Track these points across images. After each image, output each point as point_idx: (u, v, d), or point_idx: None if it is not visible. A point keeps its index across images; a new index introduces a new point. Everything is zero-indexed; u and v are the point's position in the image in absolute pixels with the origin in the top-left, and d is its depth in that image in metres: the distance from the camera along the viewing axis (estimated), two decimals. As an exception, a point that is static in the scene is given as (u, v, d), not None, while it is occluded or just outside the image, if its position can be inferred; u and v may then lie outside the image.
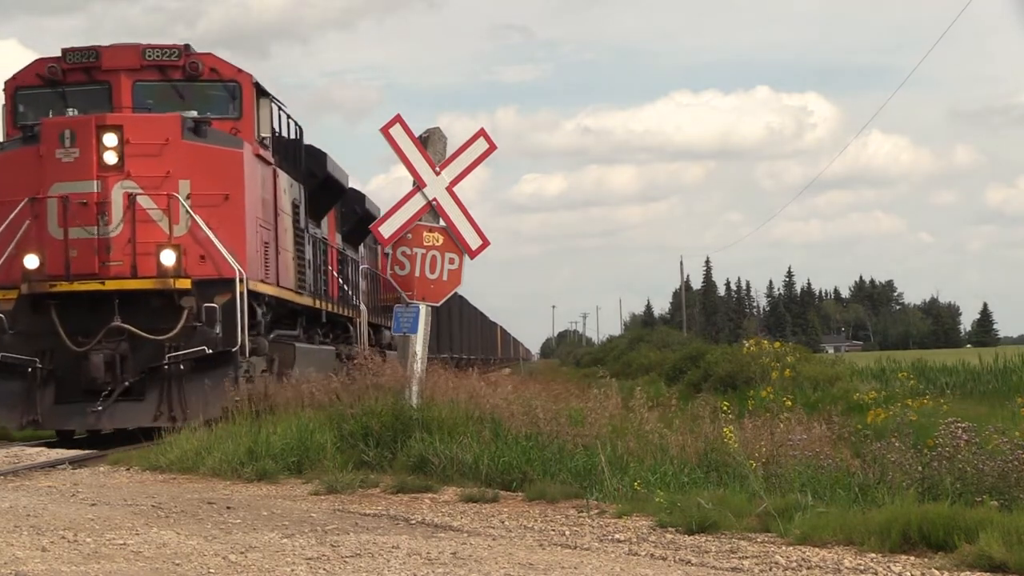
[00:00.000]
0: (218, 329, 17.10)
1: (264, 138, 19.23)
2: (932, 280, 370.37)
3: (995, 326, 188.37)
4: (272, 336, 19.86)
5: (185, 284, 17.25)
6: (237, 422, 13.90)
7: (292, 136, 22.22)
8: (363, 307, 28.73)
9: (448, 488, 10.98)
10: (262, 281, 18.76)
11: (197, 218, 17.33)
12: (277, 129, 20.69)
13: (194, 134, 17.72)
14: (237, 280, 17.18)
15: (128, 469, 13.10)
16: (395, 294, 35.00)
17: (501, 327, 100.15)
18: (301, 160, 22.67)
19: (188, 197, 17.41)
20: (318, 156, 23.76)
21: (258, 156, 18.91)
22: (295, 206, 21.66)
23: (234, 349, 17.03)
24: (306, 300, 22.20)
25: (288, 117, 21.75)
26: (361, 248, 32.19)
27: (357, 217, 29.63)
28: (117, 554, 7.50)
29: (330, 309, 24.67)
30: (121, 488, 11.50)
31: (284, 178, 20.82)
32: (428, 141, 13.92)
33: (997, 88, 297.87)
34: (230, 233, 17.51)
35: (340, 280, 26.75)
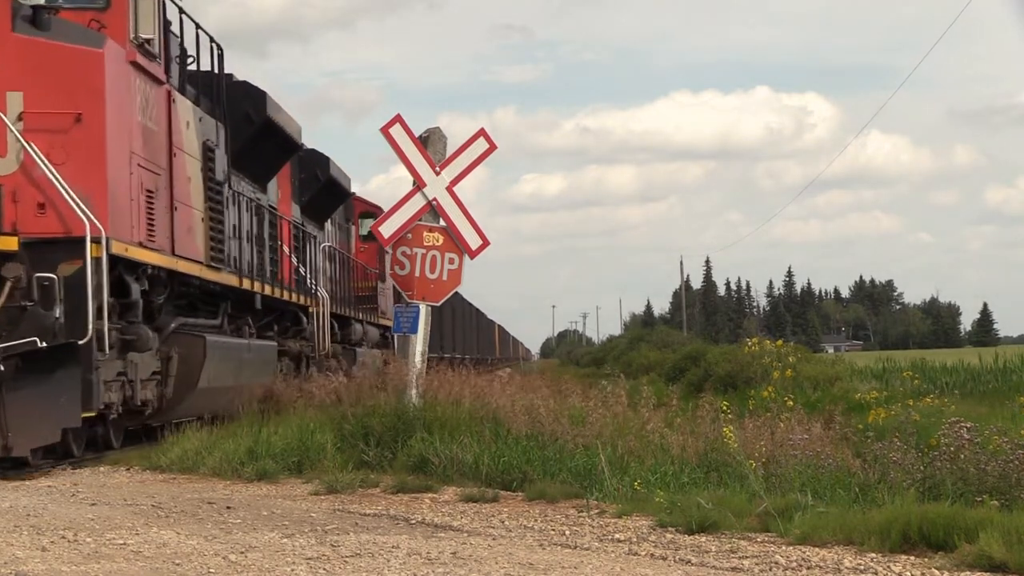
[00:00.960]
0: (58, 312, 12.16)
1: (146, 40, 13.70)
2: (932, 280, 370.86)
3: (995, 326, 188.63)
4: (174, 326, 15.04)
5: (8, 245, 12.28)
6: (237, 422, 13.90)
7: (212, 63, 17.42)
8: (323, 294, 23.80)
9: (448, 488, 10.98)
10: (141, 244, 13.65)
11: (32, 148, 12.34)
12: (180, 37, 15.68)
13: (31, 25, 12.62)
14: (89, 240, 12.13)
15: (128, 469, 13.09)
16: (371, 283, 32.63)
17: (499, 325, 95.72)
18: (222, 93, 17.54)
19: (20, 117, 12.47)
20: (255, 95, 19.08)
21: (135, 64, 13.59)
22: (207, 149, 16.37)
23: (82, 342, 12.00)
24: (226, 278, 16.94)
25: (201, 32, 16.84)
26: (328, 225, 27.73)
27: (319, 185, 25.02)
28: (117, 554, 7.49)
29: (269, 293, 19.20)
30: (121, 488, 11.49)
31: (186, 107, 15.57)
32: (428, 141, 13.92)
33: (997, 88, 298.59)
34: (83, 171, 12.44)
35: (295, 260, 22.14)
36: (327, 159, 25.55)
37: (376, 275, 32.37)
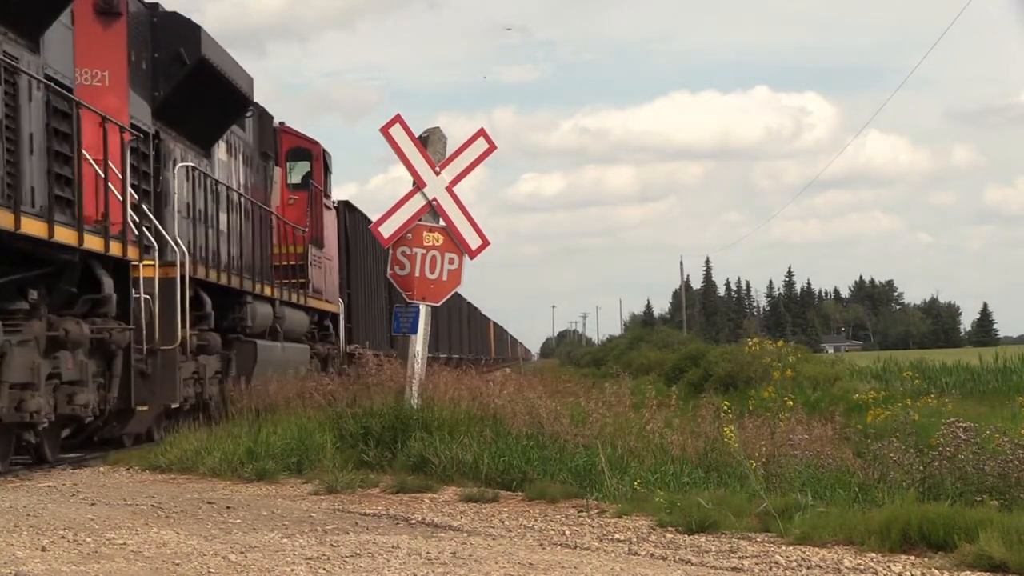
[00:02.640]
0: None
1: None
2: (932, 280, 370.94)
3: (995, 326, 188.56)
4: None
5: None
6: (237, 422, 13.90)
7: None
8: (182, 250, 15.62)
9: (448, 488, 10.98)
10: None
11: None
12: None
13: None
14: None
15: (128, 469, 13.09)
16: (300, 248, 23.00)
17: (494, 322, 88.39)
18: None
19: None
20: (187, 31, 15.78)
21: None
22: None
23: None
24: None
25: None
26: (220, 150, 18.74)
27: (187, 71, 16.20)
28: (117, 554, 7.49)
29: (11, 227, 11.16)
30: (121, 488, 11.49)
31: None
32: (428, 141, 13.92)
33: (996, 88, 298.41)
34: None
35: (133, 195, 14.37)
36: (197, 30, 16.40)
37: (307, 237, 23.61)
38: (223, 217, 18.62)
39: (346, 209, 29.70)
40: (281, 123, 24.04)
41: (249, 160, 21.10)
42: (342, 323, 27.35)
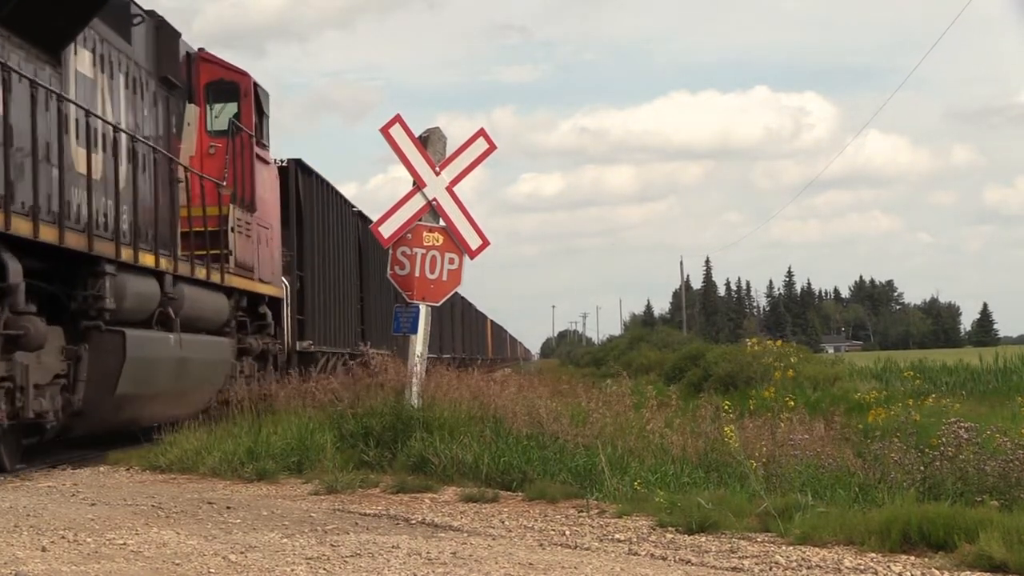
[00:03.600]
0: None
1: None
2: (932, 280, 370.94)
3: (995, 326, 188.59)
4: None
5: None
6: (237, 422, 13.89)
7: None
8: None
9: (448, 488, 10.98)
10: None
11: None
12: None
13: None
14: None
15: (128, 469, 13.09)
16: (221, 210, 17.06)
17: (492, 320, 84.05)
18: None
19: None
20: None
21: None
22: None
23: None
24: None
25: None
26: (81, 61, 13.74)
27: None
28: (117, 554, 7.49)
29: None
30: (121, 488, 11.49)
31: None
32: (428, 141, 13.92)
33: (995, 88, 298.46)
34: None
35: None
36: None
37: (233, 197, 18.21)
38: (79, 154, 13.48)
39: (298, 169, 23.73)
40: (200, 49, 18.65)
41: (136, 84, 15.60)
42: (287, 312, 21.60)
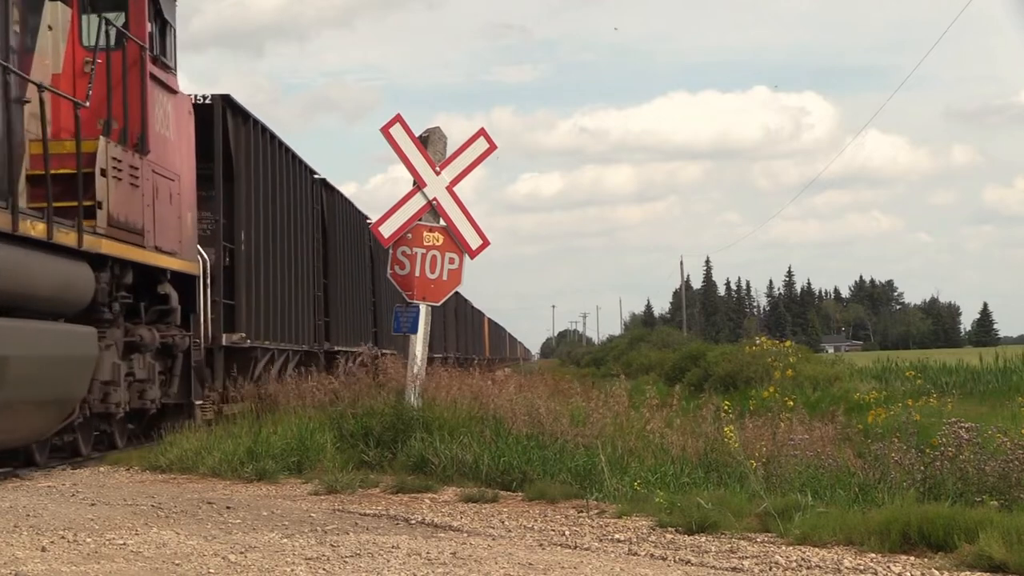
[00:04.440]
0: None
1: None
2: (932, 280, 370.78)
3: (995, 326, 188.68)
4: None
5: None
6: (237, 422, 13.89)
7: None
8: None
9: (448, 488, 10.98)
10: None
11: None
12: None
13: None
14: None
15: (128, 469, 13.09)
16: (86, 144, 12.27)
17: (489, 319, 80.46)
18: None
19: None
20: None
21: None
22: None
23: None
24: None
25: None
26: None
27: None
28: (117, 554, 7.49)
29: None
30: (121, 488, 11.49)
31: None
32: (428, 141, 13.93)
33: (995, 88, 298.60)
34: None
35: None
36: None
37: (107, 129, 13.50)
38: None
39: (227, 108, 18.59)
40: None
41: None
42: (203, 295, 16.75)
